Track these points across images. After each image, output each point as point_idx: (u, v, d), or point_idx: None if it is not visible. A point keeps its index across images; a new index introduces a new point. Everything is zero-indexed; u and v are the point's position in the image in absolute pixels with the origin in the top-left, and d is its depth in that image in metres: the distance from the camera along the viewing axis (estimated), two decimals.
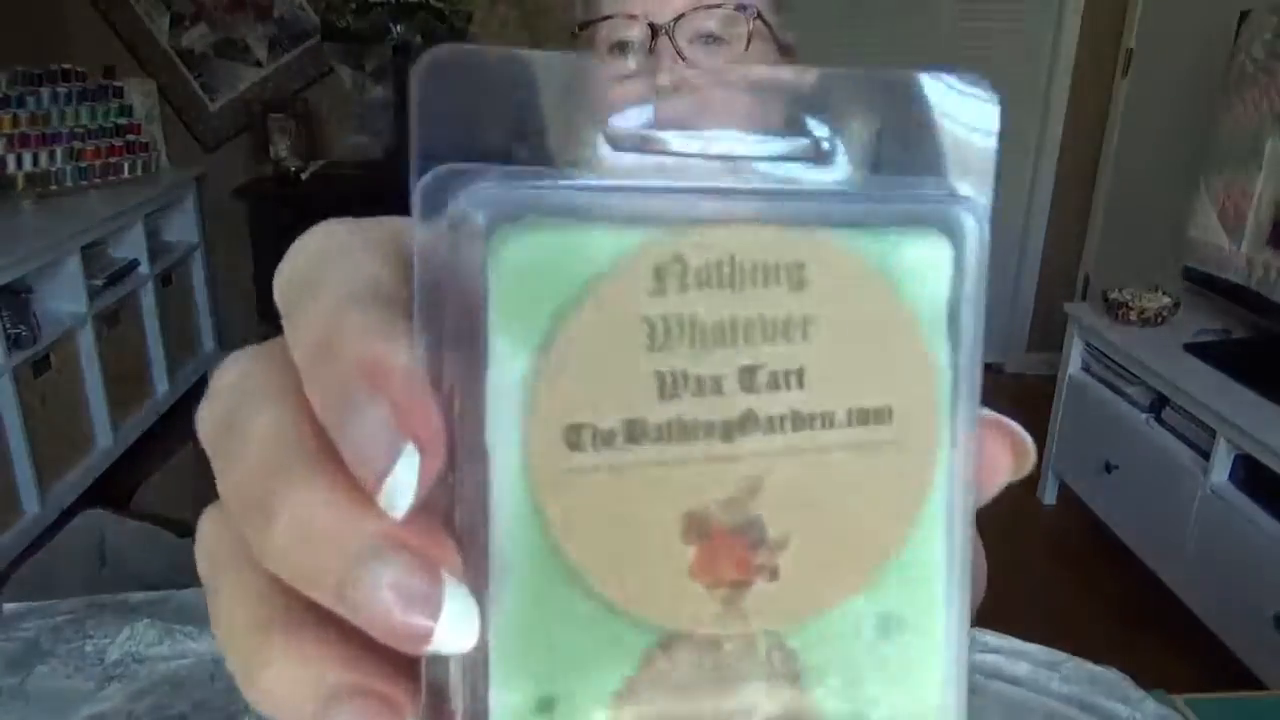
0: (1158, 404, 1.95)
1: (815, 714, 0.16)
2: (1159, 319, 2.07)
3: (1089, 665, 0.56)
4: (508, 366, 0.14)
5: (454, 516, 0.14)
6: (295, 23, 2.84)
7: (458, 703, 0.14)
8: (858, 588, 0.16)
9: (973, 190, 0.17)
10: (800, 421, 0.15)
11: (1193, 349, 1.94)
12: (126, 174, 2.57)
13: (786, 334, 0.15)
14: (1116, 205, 2.85)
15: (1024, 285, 3.07)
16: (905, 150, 0.17)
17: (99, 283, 2.26)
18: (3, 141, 2.33)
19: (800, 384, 0.15)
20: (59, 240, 2.13)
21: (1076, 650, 0.58)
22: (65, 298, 2.16)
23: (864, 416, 0.16)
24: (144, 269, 2.47)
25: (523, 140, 0.15)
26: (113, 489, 2.17)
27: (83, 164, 2.48)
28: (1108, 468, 2.07)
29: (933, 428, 0.16)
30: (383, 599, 0.13)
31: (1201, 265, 2.06)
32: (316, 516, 0.14)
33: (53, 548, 1.07)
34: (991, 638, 0.59)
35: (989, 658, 0.57)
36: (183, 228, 2.77)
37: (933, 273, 0.16)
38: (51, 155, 2.43)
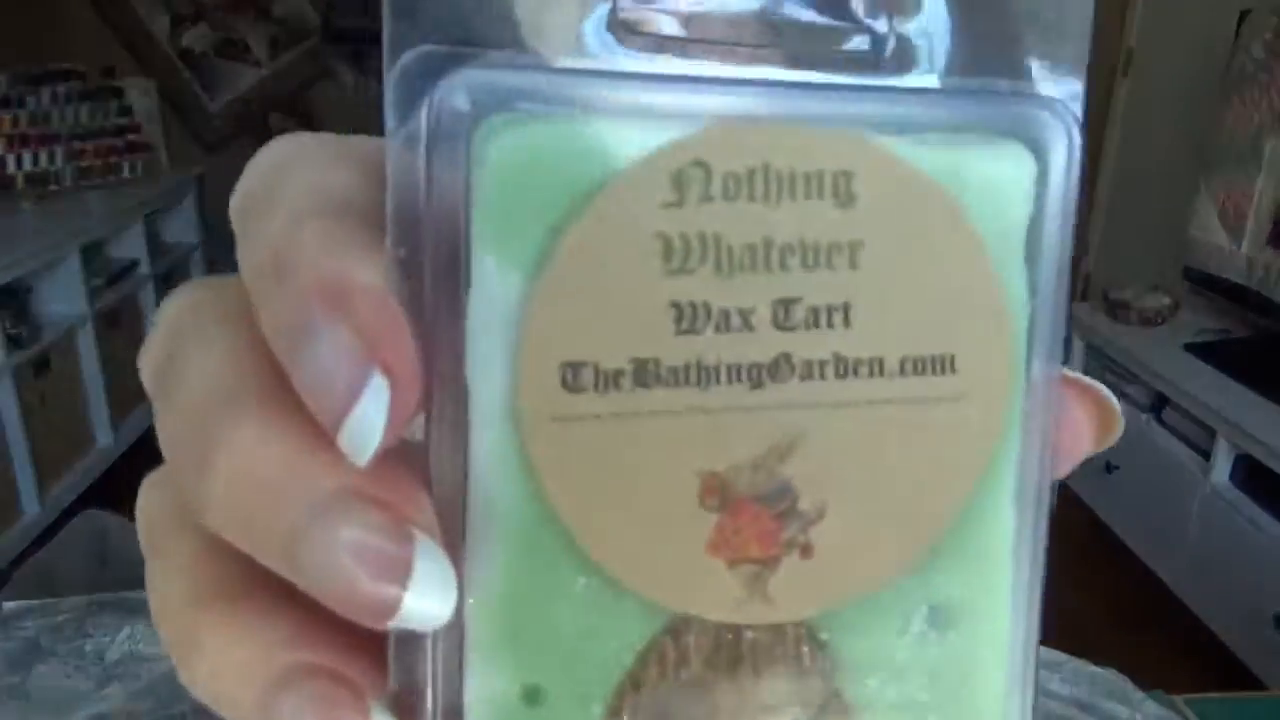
0: (1158, 404, 1.95)
1: None
2: (1159, 319, 2.07)
3: (1089, 666, 0.56)
4: (494, 288, 0.12)
5: (428, 471, 0.12)
6: (295, 23, 2.84)
7: (429, 689, 0.12)
8: (906, 571, 0.14)
9: (1062, 88, 0.14)
10: (844, 368, 0.13)
11: (1193, 349, 1.94)
12: (126, 174, 2.57)
13: (830, 261, 0.13)
14: (1116, 205, 2.85)
15: None
16: (979, 43, 0.14)
17: (99, 283, 2.26)
18: (2, 141, 2.32)
19: (846, 322, 0.13)
20: (58, 240, 2.13)
21: (1076, 650, 0.58)
22: (65, 298, 2.15)
23: (921, 365, 0.13)
24: (144, 269, 2.47)
25: (517, 23, 0.12)
26: (113, 489, 2.17)
27: (83, 164, 2.48)
28: (1108, 468, 2.06)
29: (1004, 382, 0.14)
30: (340, 561, 0.11)
31: (1202, 265, 2.06)
32: (262, 461, 0.11)
33: (53, 548, 1.07)
34: None
35: None
36: (183, 228, 2.76)
37: (1010, 191, 0.13)
38: (51, 155, 2.42)
